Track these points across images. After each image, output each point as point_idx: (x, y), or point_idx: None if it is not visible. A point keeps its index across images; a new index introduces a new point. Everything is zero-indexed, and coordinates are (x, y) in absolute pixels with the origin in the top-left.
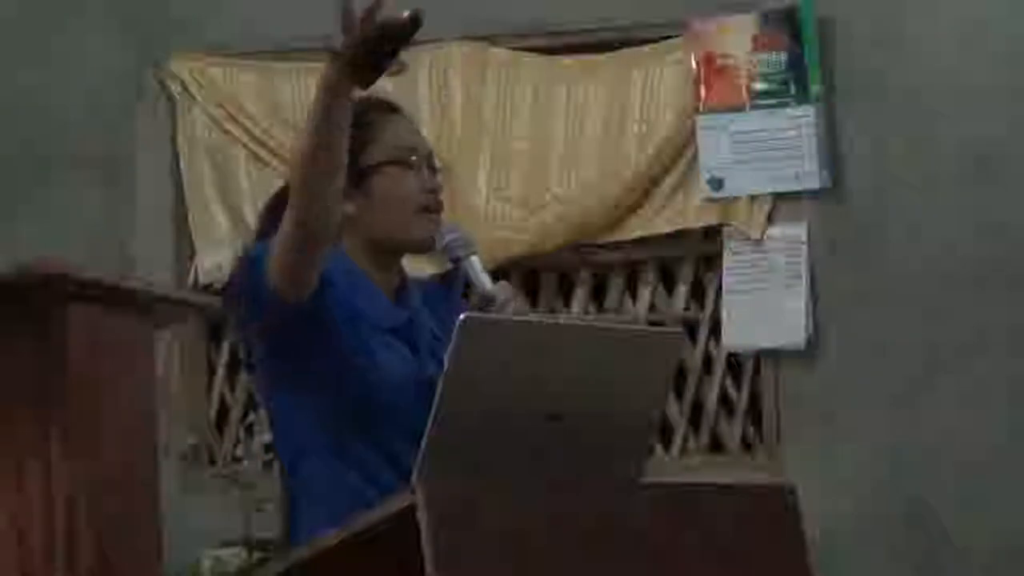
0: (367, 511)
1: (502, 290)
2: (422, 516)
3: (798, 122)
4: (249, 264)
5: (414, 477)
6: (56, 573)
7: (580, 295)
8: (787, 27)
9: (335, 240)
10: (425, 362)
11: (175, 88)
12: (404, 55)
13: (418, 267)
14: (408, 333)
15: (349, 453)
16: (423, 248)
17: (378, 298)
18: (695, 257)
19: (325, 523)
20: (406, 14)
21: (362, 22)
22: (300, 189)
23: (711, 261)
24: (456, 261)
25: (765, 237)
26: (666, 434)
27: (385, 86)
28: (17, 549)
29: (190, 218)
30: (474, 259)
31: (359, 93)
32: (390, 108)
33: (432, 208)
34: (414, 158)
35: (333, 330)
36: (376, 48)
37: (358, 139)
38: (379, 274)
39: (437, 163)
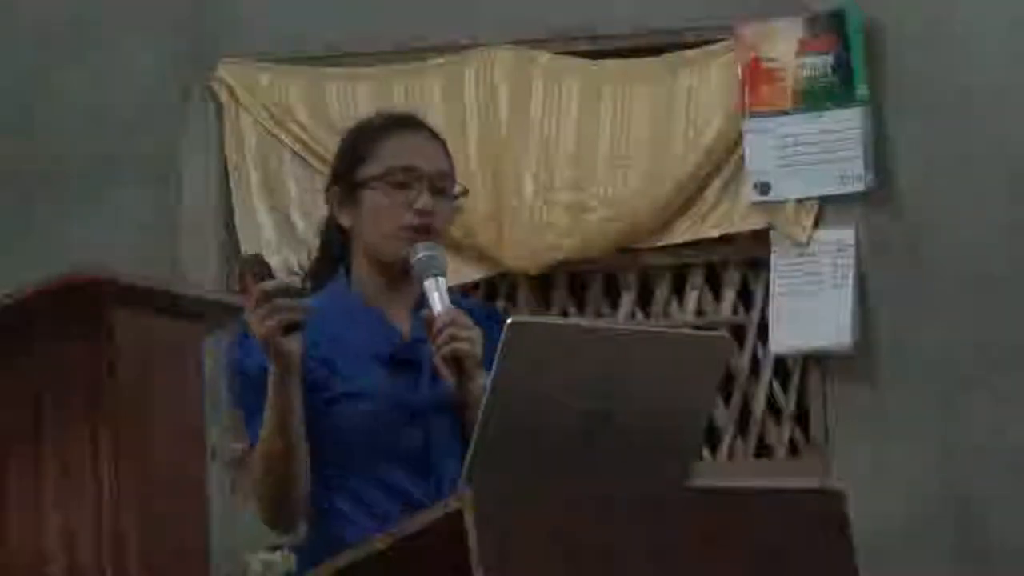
0: (360, 533)
1: (444, 315)
2: (469, 517)
3: (845, 125)
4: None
5: (462, 479)
6: (105, 574)
7: (627, 299)
8: (833, 30)
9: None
10: (422, 383)
11: (223, 93)
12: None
13: None
14: (408, 355)
15: (335, 481)
16: (398, 267)
17: (374, 325)
18: (742, 261)
19: (328, 548)
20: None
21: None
22: (259, 474)
23: (758, 265)
24: (420, 280)
25: (812, 240)
26: (713, 438)
27: (433, 88)
28: (67, 550)
29: (237, 223)
30: (431, 281)
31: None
32: (398, 124)
33: (415, 228)
34: (404, 177)
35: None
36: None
37: (357, 153)
38: (387, 290)
39: (456, 188)
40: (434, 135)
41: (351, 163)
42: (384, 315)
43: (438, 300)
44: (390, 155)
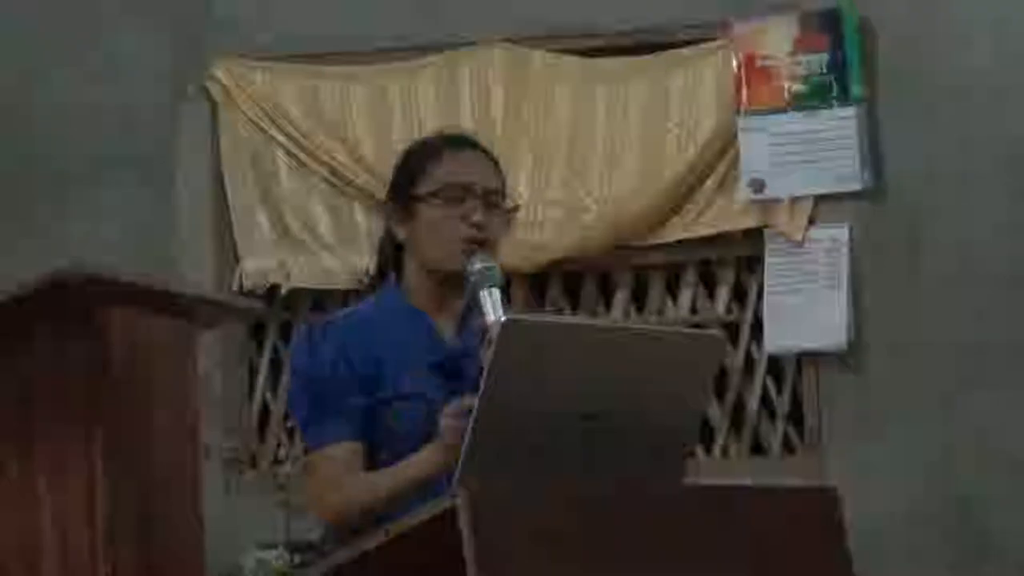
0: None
1: (496, 326)
2: (463, 517)
3: (839, 123)
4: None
5: (455, 478)
6: (99, 573)
7: (621, 297)
8: (828, 28)
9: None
10: (463, 390)
11: (217, 91)
12: None
13: None
14: (452, 363)
15: None
16: (454, 278)
17: (424, 333)
18: (736, 259)
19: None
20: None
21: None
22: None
23: (752, 263)
24: (475, 291)
25: (806, 239)
26: (707, 436)
27: (428, 88)
28: (61, 549)
29: (232, 221)
30: (486, 292)
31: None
32: (453, 143)
33: (471, 240)
34: (459, 193)
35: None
36: None
37: (414, 171)
38: (437, 300)
39: (508, 202)
40: (487, 153)
41: (408, 180)
42: (433, 324)
43: (492, 310)
44: (446, 172)
